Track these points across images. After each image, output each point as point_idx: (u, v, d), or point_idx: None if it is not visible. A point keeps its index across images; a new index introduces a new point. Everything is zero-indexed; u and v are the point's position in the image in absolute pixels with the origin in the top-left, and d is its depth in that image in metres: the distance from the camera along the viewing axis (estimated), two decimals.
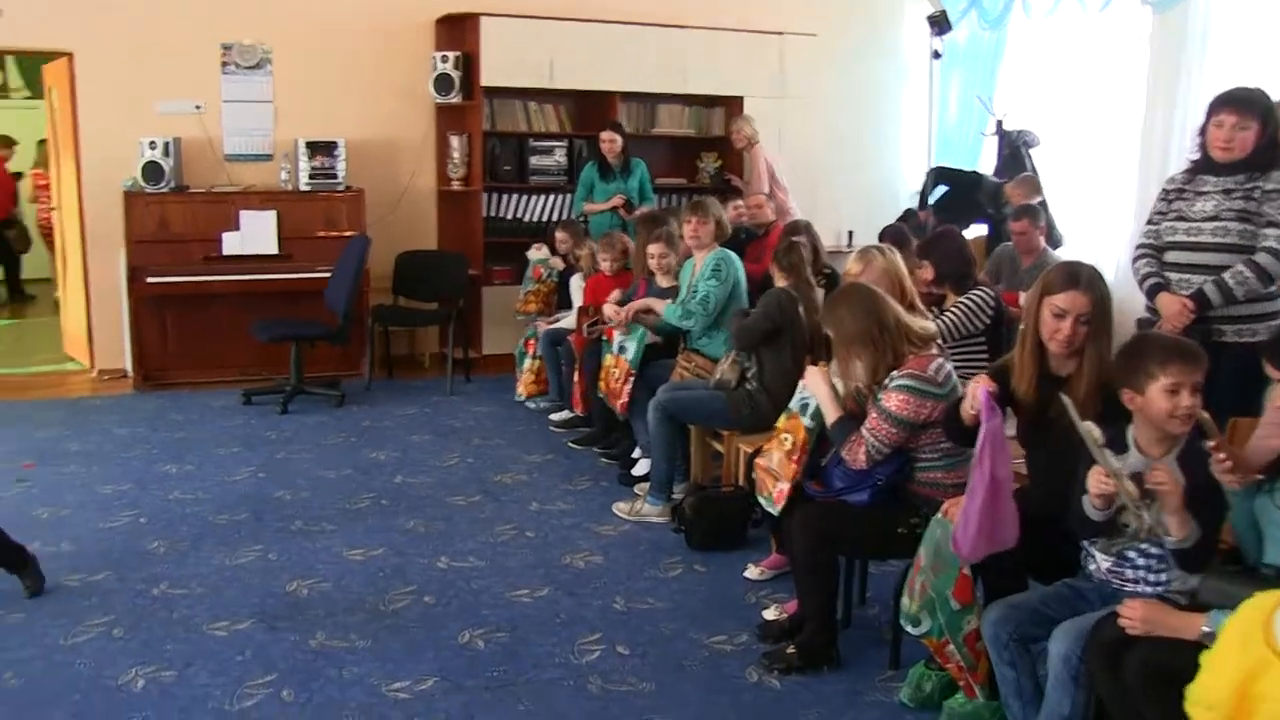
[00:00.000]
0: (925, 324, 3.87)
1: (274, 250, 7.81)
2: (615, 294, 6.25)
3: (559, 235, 7.57)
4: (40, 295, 11.75)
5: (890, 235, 6.17)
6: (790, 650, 3.83)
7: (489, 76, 8.14)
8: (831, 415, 3.82)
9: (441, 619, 4.26)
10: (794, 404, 4.05)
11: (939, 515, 3.36)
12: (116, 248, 7.77)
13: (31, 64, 10.55)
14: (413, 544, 5.01)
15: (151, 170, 7.63)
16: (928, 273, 5.05)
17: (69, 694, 3.71)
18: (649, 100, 8.87)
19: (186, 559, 4.83)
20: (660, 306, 5.82)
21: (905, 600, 3.42)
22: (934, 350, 3.74)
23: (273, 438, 6.64)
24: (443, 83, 8.20)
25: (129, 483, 5.84)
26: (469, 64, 8.22)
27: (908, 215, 8.37)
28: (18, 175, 11.80)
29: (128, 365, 7.88)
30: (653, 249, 5.96)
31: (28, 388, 8.01)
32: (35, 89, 10.74)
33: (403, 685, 3.75)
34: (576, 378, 6.47)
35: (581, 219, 7.91)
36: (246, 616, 4.26)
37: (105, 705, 3.64)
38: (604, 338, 6.01)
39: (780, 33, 8.85)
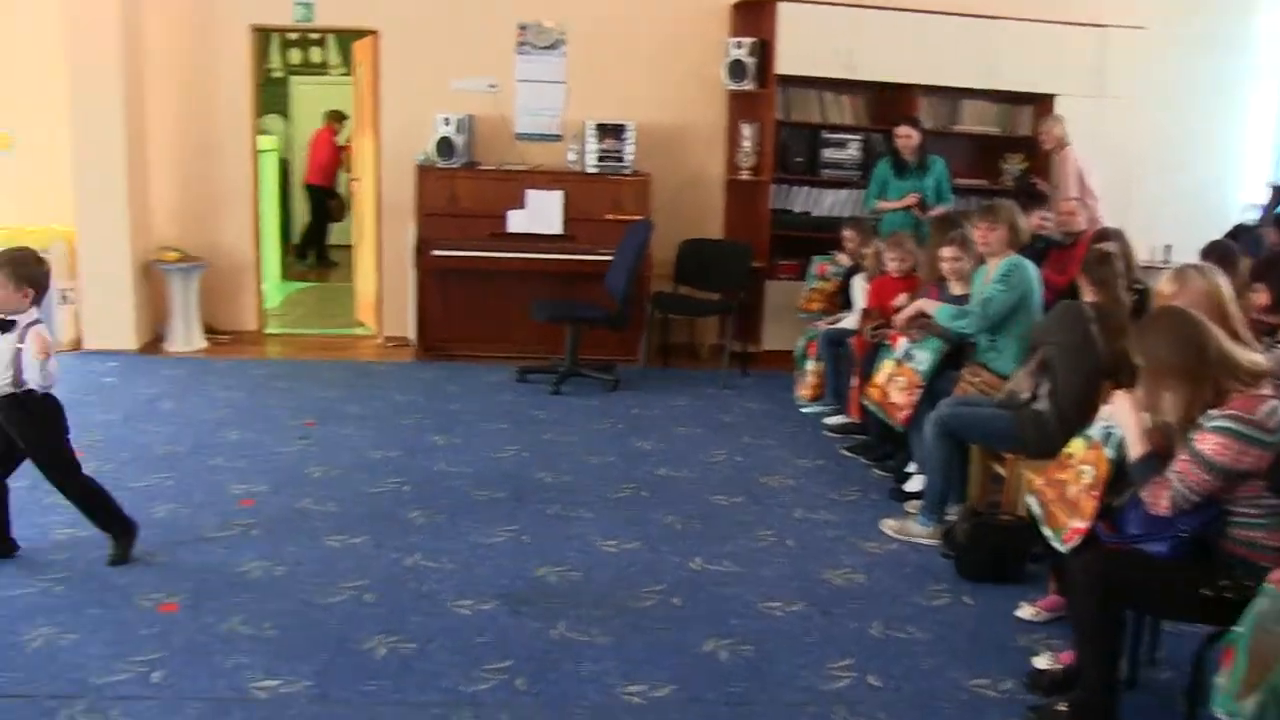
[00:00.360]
0: (1255, 357, 3.33)
1: (558, 230, 7.84)
2: (901, 298, 5.90)
3: (847, 232, 7.22)
4: (345, 261, 12.33)
5: (1215, 253, 5.48)
6: (1062, 708, 3.41)
7: (784, 64, 7.89)
8: (1136, 450, 3.35)
9: (687, 623, 4.06)
10: (1094, 432, 3.60)
11: (1270, 585, 2.87)
12: (407, 220, 8.03)
13: (347, 41, 11.08)
14: (668, 540, 4.85)
15: (444, 146, 7.82)
16: (1262, 297, 4.42)
17: (317, 652, 3.77)
18: (951, 95, 8.40)
19: (442, 532, 4.85)
20: (933, 308, 5.43)
21: (1222, 680, 2.90)
22: (1265, 389, 3.21)
23: (541, 418, 6.64)
24: (736, 69, 8.01)
25: (399, 450, 5.95)
26: (764, 51, 7.99)
27: (1238, 231, 7.55)
28: (343, 149, 12.44)
29: (411, 334, 8.13)
30: (945, 252, 5.56)
31: (321, 348, 8.41)
32: (351, 66, 11.29)
33: (639, 689, 3.58)
34: (855, 382, 6.16)
35: (873, 217, 7.54)
36: (492, 597, 4.21)
37: (348, 668, 3.67)
38: (887, 343, 5.67)
39: (1102, 25, 8.19)
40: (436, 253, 7.72)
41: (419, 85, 8.13)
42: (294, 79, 13.55)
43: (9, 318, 4.21)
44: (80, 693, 3.50)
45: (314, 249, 12.78)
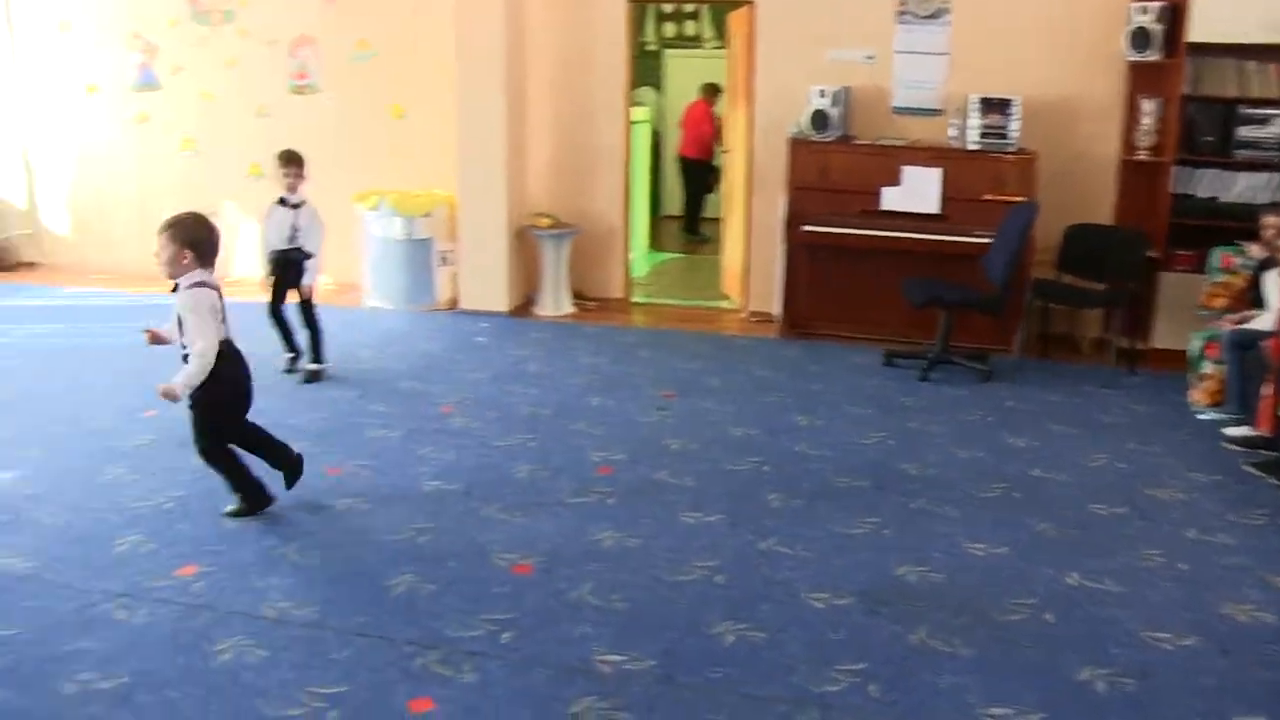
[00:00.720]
0: None
1: (934, 210, 7.45)
2: None
3: (1270, 219, 6.35)
4: (714, 235, 12.33)
5: None
6: None
7: (1198, 31, 7.08)
8: None
9: (1060, 644, 3.70)
10: None
11: None
12: (778, 193, 7.87)
13: (721, 14, 11.07)
14: (1041, 549, 4.46)
15: (818, 118, 7.61)
16: None
17: (664, 631, 3.72)
18: None
19: (799, 517, 4.68)
20: None
21: None
22: None
23: (908, 405, 6.33)
24: (1139, 38, 7.30)
25: (759, 428, 5.83)
26: (1174, 16, 7.24)
27: None
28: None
29: (776, 310, 8.00)
30: None
31: (685, 319, 8.43)
32: (724, 39, 11.31)
33: (1003, 713, 3.29)
34: (1267, 391, 5.47)
35: None
36: (849, 592, 4.01)
37: (695, 651, 3.60)
38: None
39: None
40: (806, 228, 7.53)
41: (794, 56, 7.96)
42: (667, 52, 13.75)
43: (176, 280, 4.36)
44: (436, 643, 3.61)
45: (687, 221, 12.85)
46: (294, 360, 6.69)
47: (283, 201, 6.52)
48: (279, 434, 5.36)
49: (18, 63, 9.97)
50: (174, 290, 4.40)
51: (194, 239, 4.34)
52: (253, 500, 4.62)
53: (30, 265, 10.29)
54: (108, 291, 9.25)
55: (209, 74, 9.43)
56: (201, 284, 4.36)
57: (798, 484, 5.06)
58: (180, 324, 4.37)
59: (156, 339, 4.49)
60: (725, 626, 3.74)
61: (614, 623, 3.76)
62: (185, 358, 4.38)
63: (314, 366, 6.62)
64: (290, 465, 4.76)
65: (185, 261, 4.33)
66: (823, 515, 4.70)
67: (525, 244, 8.52)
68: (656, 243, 11.75)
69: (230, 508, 4.62)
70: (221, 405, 4.53)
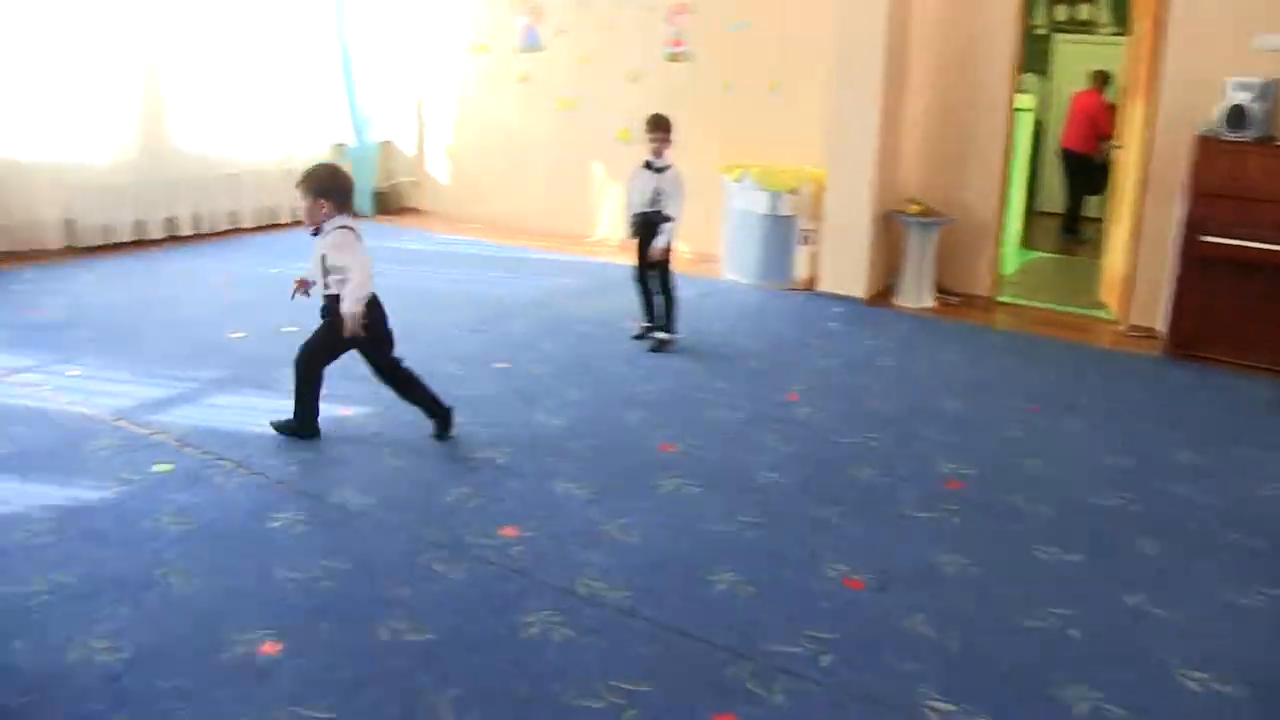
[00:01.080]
0: None
1: None
2: None
3: None
4: (1094, 237, 11.44)
5: None
6: None
7: None
8: None
9: None
10: None
11: None
12: (1176, 197, 7.09)
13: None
14: None
15: (1235, 115, 6.67)
16: None
17: (1004, 683, 3.29)
18: None
19: (1176, 573, 4.05)
20: None
21: None
22: None
23: None
24: None
25: (1132, 459, 5.18)
26: None
27: None
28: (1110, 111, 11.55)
29: (1161, 326, 7.21)
30: None
31: (1054, 325, 7.75)
32: (1123, 25, 10.42)
33: None
34: None
35: None
36: (1235, 678, 3.37)
37: (1035, 714, 3.13)
38: None
39: None
40: (1208, 238, 6.65)
41: (1211, 43, 6.98)
42: (1057, 36, 12.88)
43: (318, 227, 4.64)
44: (750, 654, 3.37)
45: (1067, 219, 11.94)
46: (648, 329, 6.65)
47: (648, 165, 6.49)
48: (617, 402, 5.28)
49: (422, 24, 10.49)
50: (315, 234, 4.67)
51: (326, 189, 4.62)
52: (302, 423, 4.85)
53: (413, 210, 10.86)
54: (475, 241, 9.60)
55: (588, 38, 9.55)
56: (344, 227, 4.64)
57: (1175, 532, 4.40)
58: (322, 263, 4.63)
59: (303, 285, 4.78)
60: (1077, 691, 3.24)
61: (947, 663, 3.36)
62: (325, 297, 4.68)
63: (663, 335, 6.55)
64: (441, 415, 4.95)
65: (324, 210, 4.62)
66: (1205, 575, 4.05)
67: (891, 230, 8.13)
68: (1029, 240, 10.98)
69: (280, 420, 4.89)
70: (344, 341, 4.71)
